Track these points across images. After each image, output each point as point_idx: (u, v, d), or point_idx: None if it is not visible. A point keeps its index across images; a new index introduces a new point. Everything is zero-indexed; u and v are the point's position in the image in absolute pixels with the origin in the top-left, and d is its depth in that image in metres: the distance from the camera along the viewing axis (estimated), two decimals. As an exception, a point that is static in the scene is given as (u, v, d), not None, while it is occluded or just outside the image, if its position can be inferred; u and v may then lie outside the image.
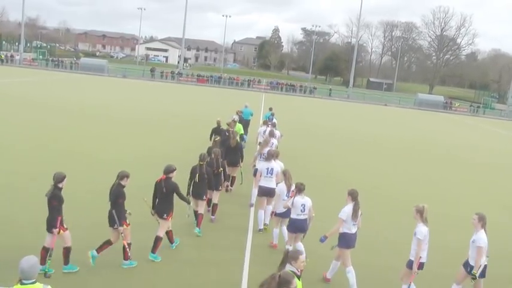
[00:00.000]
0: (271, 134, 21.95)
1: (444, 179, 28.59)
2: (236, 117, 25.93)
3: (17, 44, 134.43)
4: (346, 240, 12.25)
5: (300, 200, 13.15)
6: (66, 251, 11.45)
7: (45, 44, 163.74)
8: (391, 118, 70.12)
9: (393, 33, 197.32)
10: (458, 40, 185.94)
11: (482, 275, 11.32)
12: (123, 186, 12.05)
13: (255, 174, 17.13)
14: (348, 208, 12.31)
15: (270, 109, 32.75)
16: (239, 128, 24.55)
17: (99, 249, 11.98)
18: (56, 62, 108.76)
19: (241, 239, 15.16)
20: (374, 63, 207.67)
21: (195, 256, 13.58)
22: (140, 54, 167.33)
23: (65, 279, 11.11)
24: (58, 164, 21.45)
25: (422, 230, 11.28)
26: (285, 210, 13.76)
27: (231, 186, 20.02)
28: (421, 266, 11.36)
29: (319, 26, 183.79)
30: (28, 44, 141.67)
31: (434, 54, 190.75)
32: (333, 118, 59.83)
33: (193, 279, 12.14)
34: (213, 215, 16.22)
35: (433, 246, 15.99)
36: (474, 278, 11.23)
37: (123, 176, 12.11)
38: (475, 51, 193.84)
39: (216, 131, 22.59)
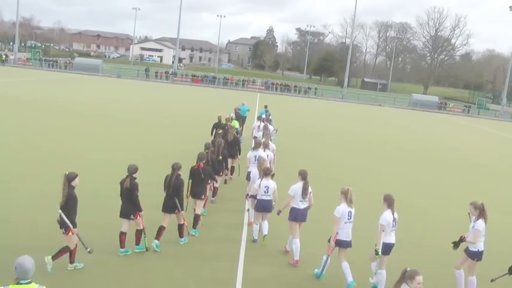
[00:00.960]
0: (266, 128, 23.94)
1: (437, 179, 28.60)
2: (233, 115, 28.49)
3: (11, 43, 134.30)
4: (293, 214, 13.75)
5: (265, 182, 14.58)
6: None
7: (39, 44, 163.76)
8: (386, 118, 70.12)
9: (388, 34, 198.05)
10: (453, 40, 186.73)
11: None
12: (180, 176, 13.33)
13: (248, 178, 17.30)
14: (298, 186, 13.79)
15: (265, 107, 34.87)
16: (235, 123, 26.29)
17: (159, 236, 13.30)
18: (51, 62, 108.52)
19: (236, 233, 15.38)
20: (368, 64, 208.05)
21: (191, 250, 13.73)
22: (134, 54, 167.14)
23: (58, 274, 11.08)
24: (51, 164, 21.46)
25: (339, 208, 12.40)
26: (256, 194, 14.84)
27: (231, 175, 21.82)
28: (340, 242, 12.41)
29: (314, 26, 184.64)
30: (22, 44, 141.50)
31: (428, 54, 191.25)
32: (327, 118, 59.76)
33: (187, 275, 12.17)
34: (213, 196, 18.06)
35: (428, 246, 16.06)
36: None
37: (179, 167, 13.42)
38: (469, 51, 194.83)
39: (217, 125, 24.75)
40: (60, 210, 11.43)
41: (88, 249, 11.66)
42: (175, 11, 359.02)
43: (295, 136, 38.07)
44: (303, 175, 13.86)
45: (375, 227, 12.27)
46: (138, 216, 12.72)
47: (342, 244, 12.43)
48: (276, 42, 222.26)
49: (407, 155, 36.68)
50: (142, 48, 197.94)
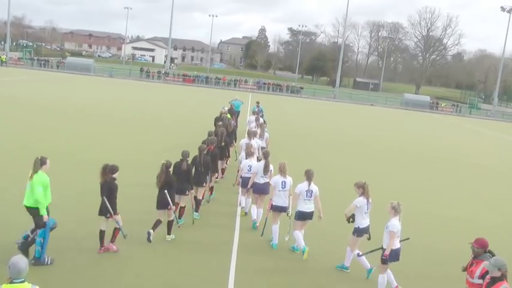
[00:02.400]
0: (258, 120, 27.65)
1: (430, 180, 28.66)
2: (226, 108, 30.76)
3: (2, 43, 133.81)
4: (255, 188, 16.31)
5: (248, 162, 17.33)
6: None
7: (31, 43, 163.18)
8: (378, 118, 70.23)
9: (379, 34, 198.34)
10: (445, 40, 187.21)
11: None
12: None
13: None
14: (260, 164, 16.47)
15: (257, 103, 37.05)
16: (228, 117, 28.57)
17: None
18: (42, 62, 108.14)
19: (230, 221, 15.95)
20: (360, 63, 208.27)
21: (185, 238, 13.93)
22: (126, 54, 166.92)
23: (52, 273, 11.09)
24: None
25: (273, 178, 15.11)
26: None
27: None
28: (275, 207, 14.68)
29: (306, 26, 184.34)
30: (14, 43, 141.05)
31: (420, 54, 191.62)
32: (318, 118, 59.81)
33: (183, 262, 12.26)
34: (222, 175, 20.93)
35: (420, 247, 16.12)
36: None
37: (187, 155, 15.24)
38: (461, 51, 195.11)
39: (218, 118, 27.01)
40: (104, 198, 12.45)
41: (124, 234, 12.87)
42: (168, 11, 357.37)
43: (286, 136, 38.15)
44: (265, 155, 16.55)
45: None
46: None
47: (276, 209, 14.62)
48: (268, 42, 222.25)
49: (398, 155, 36.78)
50: (134, 48, 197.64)
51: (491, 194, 26.78)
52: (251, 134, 21.27)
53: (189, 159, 15.53)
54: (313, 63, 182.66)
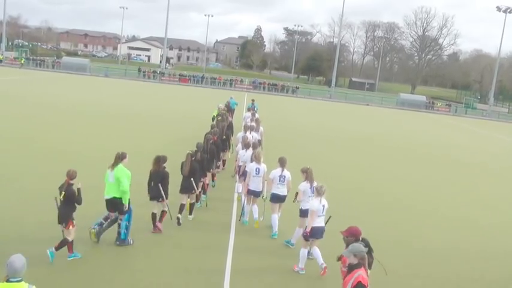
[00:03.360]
0: (254, 115, 30.34)
1: (426, 178, 28.72)
2: (222, 106, 33.69)
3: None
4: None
5: (244, 152, 18.51)
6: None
7: (26, 43, 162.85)
8: (374, 118, 70.30)
9: (375, 34, 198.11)
10: (440, 40, 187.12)
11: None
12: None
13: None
14: (248, 153, 18.01)
15: (252, 100, 41.86)
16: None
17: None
18: (38, 61, 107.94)
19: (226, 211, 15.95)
20: (356, 63, 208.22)
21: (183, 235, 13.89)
22: (122, 54, 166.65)
23: (46, 273, 11.07)
24: (40, 163, 21.41)
25: (249, 164, 16.93)
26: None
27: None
28: (250, 191, 16.21)
29: (302, 26, 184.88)
30: (10, 43, 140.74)
31: (416, 54, 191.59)
32: (315, 117, 59.79)
33: (179, 261, 12.25)
34: (222, 166, 22.38)
35: (415, 245, 16.16)
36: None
37: (201, 147, 17.10)
38: (457, 51, 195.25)
39: (218, 115, 29.65)
40: (159, 184, 14.19)
41: (171, 216, 14.95)
42: (163, 11, 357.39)
43: (282, 135, 38.19)
44: (254, 145, 18.68)
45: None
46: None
47: (251, 193, 16.12)
48: (264, 42, 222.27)
49: (394, 153, 36.81)
50: (130, 48, 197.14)
51: (487, 193, 26.83)
52: (247, 128, 23.31)
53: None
54: (309, 63, 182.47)
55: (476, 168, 34.87)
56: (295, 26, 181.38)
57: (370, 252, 9.42)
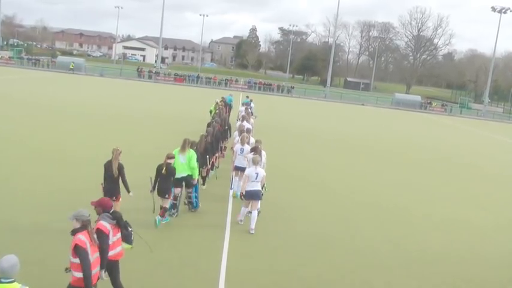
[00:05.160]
0: (247, 109, 33.58)
1: (420, 178, 28.72)
2: (219, 100, 39.00)
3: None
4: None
5: (240, 146, 19.58)
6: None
7: (21, 42, 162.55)
8: (368, 118, 70.34)
9: (370, 33, 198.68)
10: (435, 40, 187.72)
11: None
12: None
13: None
14: (237, 138, 20.94)
15: (247, 96, 47.40)
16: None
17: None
18: (33, 61, 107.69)
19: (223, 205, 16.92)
20: (351, 63, 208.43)
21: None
22: (117, 53, 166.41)
23: (42, 269, 11.02)
24: (33, 163, 21.33)
25: (236, 145, 20.01)
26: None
27: None
28: (236, 167, 19.25)
29: (297, 26, 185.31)
30: (5, 42, 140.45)
31: (411, 54, 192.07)
32: (309, 117, 59.79)
33: (173, 261, 12.20)
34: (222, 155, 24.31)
35: (411, 246, 16.14)
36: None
37: (211, 132, 21.10)
38: (451, 51, 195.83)
39: (215, 106, 34.80)
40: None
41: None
42: (159, 10, 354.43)
43: (276, 135, 38.19)
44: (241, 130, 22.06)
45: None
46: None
47: (237, 168, 19.13)
48: (259, 42, 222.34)
49: (389, 154, 36.80)
50: (125, 47, 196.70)
51: (482, 193, 26.82)
52: (243, 118, 27.71)
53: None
54: (304, 63, 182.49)
55: (472, 168, 34.90)
56: (290, 25, 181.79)
57: (125, 226, 10.02)
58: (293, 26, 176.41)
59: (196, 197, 17.13)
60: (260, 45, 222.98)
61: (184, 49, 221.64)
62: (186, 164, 16.04)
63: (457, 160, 37.41)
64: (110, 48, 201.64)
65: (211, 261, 13.14)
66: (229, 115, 33.84)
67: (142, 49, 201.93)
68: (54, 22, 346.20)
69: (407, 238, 16.98)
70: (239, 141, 20.01)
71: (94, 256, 8.71)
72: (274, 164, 24.62)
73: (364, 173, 28.38)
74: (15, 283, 6.64)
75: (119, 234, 9.85)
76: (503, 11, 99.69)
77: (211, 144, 20.19)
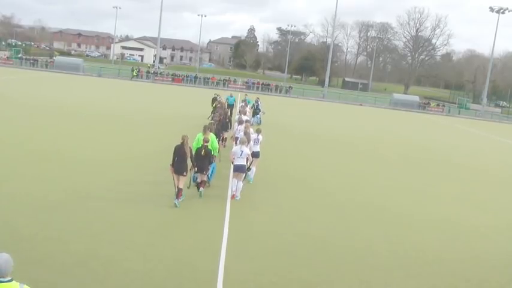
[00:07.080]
0: (243, 107, 37.05)
1: (420, 179, 28.70)
2: (219, 97, 42.25)
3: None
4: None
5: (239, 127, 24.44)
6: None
7: (20, 43, 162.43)
8: (366, 118, 70.34)
9: (368, 34, 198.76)
10: (434, 41, 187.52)
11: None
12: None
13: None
14: (240, 127, 24.46)
15: (246, 95, 53.11)
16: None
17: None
18: (31, 61, 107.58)
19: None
20: (349, 63, 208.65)
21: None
22: (116, 53, 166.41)
23: (41, 269, 11.02)
24: (31, 164, 21.29)
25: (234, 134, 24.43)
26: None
27: None
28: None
29: (295, 26, 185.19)
30: (3, 43, 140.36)
31: (409, 54, 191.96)
32: (307, 118, 59.83)
33: (171, 261, 12.19)
34: (223, 145, 27.26)
35: (409, 247, 16.14)
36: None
37: (218, 118, 26.30)
38: (450, 51, 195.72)
39: (214, 99, 41.96)
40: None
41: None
42: (157, 10, 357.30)
43: (275, 135, 38.16)
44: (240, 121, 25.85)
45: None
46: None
47: (237, 139, 22.06)
48: (257, 42, 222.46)
49: (386, 154, 36.80)
50: (123, 47, 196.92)
51: (480, 194, 26.84)
52: (241, 112, 32.91)
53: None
54: (302, 63, 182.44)
55: (471, 169, 34.90)
56: (288, 26, 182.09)
57: None
58: (291, 26, 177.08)
59: (212, 172, 20.06)
60: (258, 45, 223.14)
61: (182, 49, 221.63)
62: (208, 144, 18.92)
63: (455, 160, 37.42)
64: (108, 48, 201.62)
65: (209, 261, 13.10)
66: (231, 113, 37.63)
67: (141, 49, 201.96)
68: (52, 22, 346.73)
69: (406, 238, 16.97)
70: (238, 113, 24.25)
71: None
72: (272, 164, 24.68)
73: (362, 173, 28.36)
74: (13, 282, 6.61)
75: None
76: (501, 11, 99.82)
77: (221, 126, 25.58)
